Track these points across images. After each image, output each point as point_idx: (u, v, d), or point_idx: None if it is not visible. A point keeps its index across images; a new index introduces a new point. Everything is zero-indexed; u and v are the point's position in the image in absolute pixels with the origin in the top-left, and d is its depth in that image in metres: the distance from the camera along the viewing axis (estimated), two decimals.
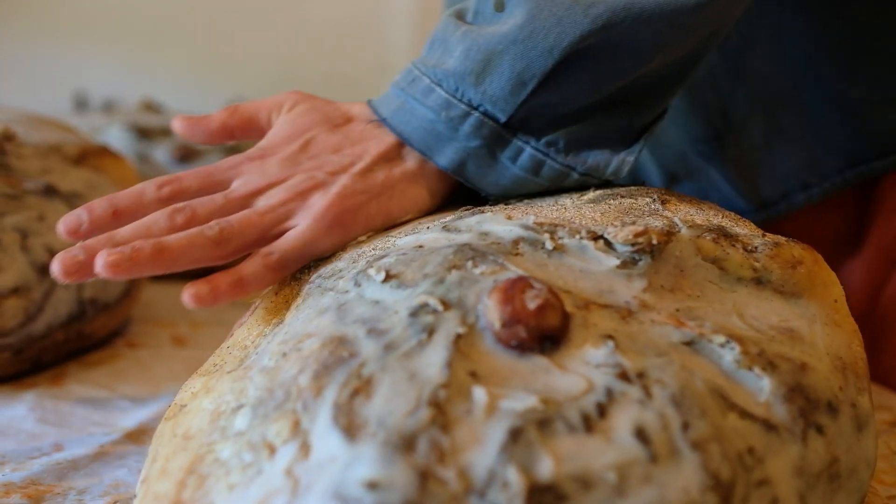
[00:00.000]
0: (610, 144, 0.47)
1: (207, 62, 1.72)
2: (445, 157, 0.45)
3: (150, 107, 1.40)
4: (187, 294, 0.41)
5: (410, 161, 0.47)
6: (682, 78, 0.48)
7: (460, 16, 0.47)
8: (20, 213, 0.61)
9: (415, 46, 1.69)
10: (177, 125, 0.49)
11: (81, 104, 1.70)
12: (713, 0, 0.43)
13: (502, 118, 0.44)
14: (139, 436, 0.53)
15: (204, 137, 0.49)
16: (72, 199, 0.65)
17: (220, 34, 1.70)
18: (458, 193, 0.48)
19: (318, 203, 0.44)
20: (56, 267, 0.41)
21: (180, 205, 0.43)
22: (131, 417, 0.55)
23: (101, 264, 0.40)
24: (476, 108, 0.44)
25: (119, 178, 0.71)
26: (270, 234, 0.43)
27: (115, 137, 1.00)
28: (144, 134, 1.03)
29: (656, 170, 0.66)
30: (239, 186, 0.45)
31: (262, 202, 0.44)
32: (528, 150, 0.45)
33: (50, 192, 0.63)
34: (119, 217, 0.43)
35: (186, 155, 1.01)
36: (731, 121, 0.62)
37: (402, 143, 0.47)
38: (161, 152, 1.01)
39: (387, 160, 0.46)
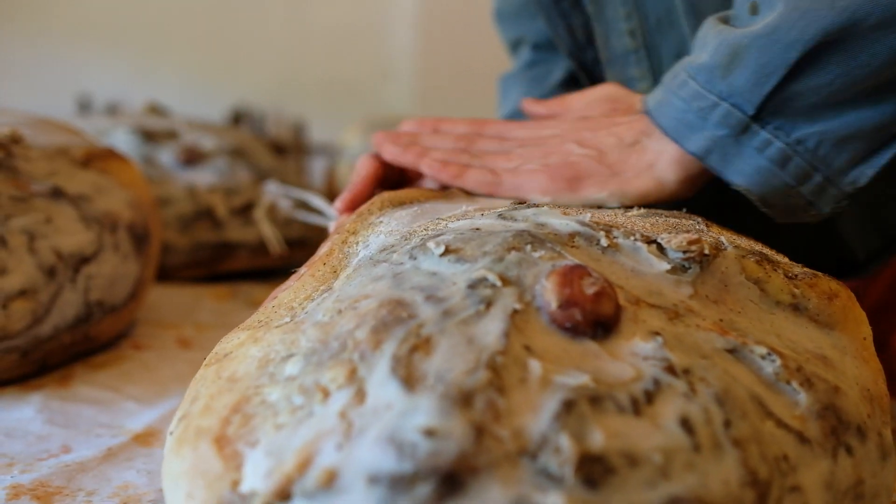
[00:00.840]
0: (861, 144, 0.47)
1: (210, 66, 1.74)
2: (694, 144, 0.49)
3: (155, 110, 1.40)
4: (425, 161, 0.54)
5: (648, 153, 0.51)
6: None
7: (723, 20, 0.51)
8: (27, 215, 0.60)
9: (416, 52, 1.72)
10: (526, 106, 0.61)
11: (85, 107, 1.70)
12: None
13: (750, 110, 0.47)
14: (147, 438, 0.52)
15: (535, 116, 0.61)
16: (78, 202, 0.64)
17: (224, 38, 1.72)
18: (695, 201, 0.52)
19: (552, 162, 0.52)
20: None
21: (467, 146, 0.56)
22: (138, 420, 0.55)
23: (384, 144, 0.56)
24: (724, 100, 0.47)
25: (126, 181, 0.71)
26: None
27: (121, 140, 1.00)
28: (149, 137, 1.04)
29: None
30: (515, 136, 0.56)
31: (517, 151, 0.54)
32: (777, 144, 0.47)
33: (57, 194, 0.63)
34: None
35: (191, 158, 1.02)
36: None
37: (646, 134, 0.51)
38: (166, 155, 1.01)
39: (627, 144, 0.52)
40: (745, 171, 0.48)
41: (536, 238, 0.38)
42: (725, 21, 0.51)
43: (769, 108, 0.47)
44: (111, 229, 0.66)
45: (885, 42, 0.44)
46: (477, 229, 0.39)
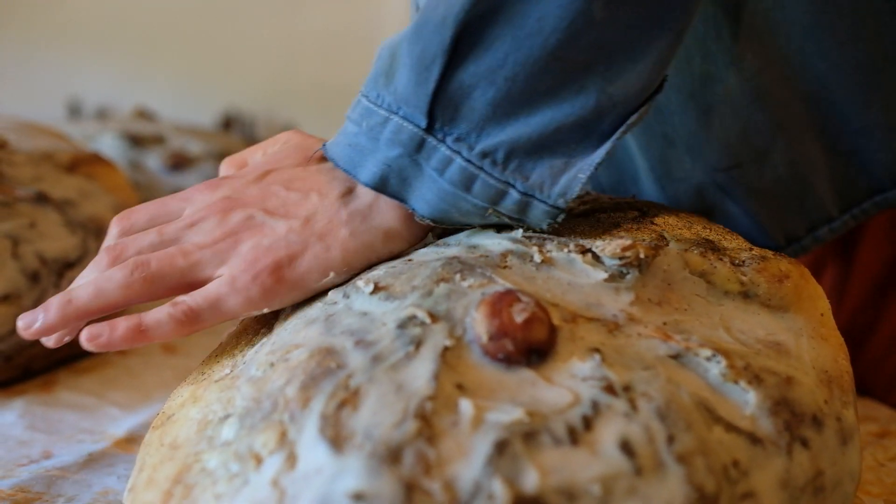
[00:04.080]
0: (565, 148, 0.39)
1: (201, 71, 1.73)
2: (367, 172, 0.40)
3: (144, 115, 1.40)
4: (83, 335, 0.39)
5: (363, 199, 0.41)
6: (660, 30, 0.39)
7: None
8: (11, 220, 0.61)
9: None
10: None
11: (75, 111, 1.70)
12: None
13: (422, 120, 0.39)
14: (128, 444, 0.53)
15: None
16: (63, 207, 0.65)
17: (215, 43, 1.71)
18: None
19: (246, 253, 0.40)
20: (21, 327, 0.41)
21: (112, 243, 0.42)
22: (120, 425, 0.55)
23: (48, 344, 0.42)
24: (394, 112, 0.39)
25: (111, 186, 0.71)
26: (195, 277, 0.40)
27: (108, 145, 1.00)
28: (137, 142, 1.04)
29: None
30: (178, 219, 0.42)
31: (193, 239, 0.41)
32: (458, 161, 0.39)
33: (41, 199, 0.64)
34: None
35: (178, 163, 1.02)
36: (753, 148, 0.55)
37: (353, 182, 0.42)
38: (153, 160, 1.01)
39: (338, 197, 0.41)
40: (427, 198, 0.39)
41: (466, 264, 0.37)
42: None
43: (442, 112, 0.38)
44: (96, 234, 0.66)
45: (547, 13, 0.36)
46: (409, 260, 0.39)
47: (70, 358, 0.66)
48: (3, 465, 0.49)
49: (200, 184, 0.44)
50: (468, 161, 0.38)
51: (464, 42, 0.37)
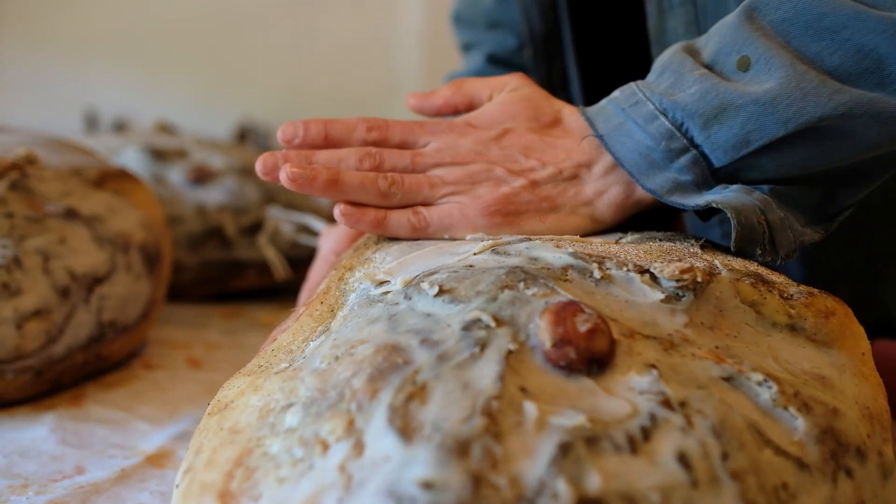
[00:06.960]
0: (799, 216, 0.48)
1: (217, 83, 1.74)
2: (654, 183, 0.47)
3: (165, 128, 1.41)
4: (338, 208, 0.48)
5: (588, 188, 0.49)
6: (881, 173, 0.50)
7: (694, 53, 0.49)
8: (42, 235, 0.61)
9: (423, 68, 1.72)
10: (409, 101, 0.56)
11: (92, 123, 1.71)
12: None
13: (715, 164, 0.47)
14: (159, 459, 0.53)
15: (431, 112, 0.55)
16: (92, 222, 0.65)
17: (230, 55, 1.72)
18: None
19: (483, 194, 0.48)
20: (258, 165, 0.49)
21: (373, 150, 0.50)
22: (151, 440, 0.56)
23: (283, 175, 0.47)
24: (696, 147, 0.46)
25: (139, 201, 0.72)
26: (432, 202, 0.49)
27: (131, 159, 1.01)
28: (159, 156, 1.05)
29: None
30: (428, 152, 0.50)
31: (439, 173, 0.49)
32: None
33: (71, 215, 0.64)
34: (328, 142, 0.51)
35: (201, 177, 1.03)
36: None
37: (587, 167, 0.50)
38: (176, 174, 1.02)
39: (565, 178, 0.49)
40: (702, 210, 0.47)
41: (529, 274, 0.38)
42: (693, 53, 0.49)
43: (731, 169, 0.47)
44: (124, 250, 0.67)
45: (855, 144, 0.46)
46: (470, 266, 0.40)
47: (98, 372, 0.67)
48: (37, 480, 0.49)
49: (443, 122, 0.52)
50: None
51: (786, 142, 0.45)
